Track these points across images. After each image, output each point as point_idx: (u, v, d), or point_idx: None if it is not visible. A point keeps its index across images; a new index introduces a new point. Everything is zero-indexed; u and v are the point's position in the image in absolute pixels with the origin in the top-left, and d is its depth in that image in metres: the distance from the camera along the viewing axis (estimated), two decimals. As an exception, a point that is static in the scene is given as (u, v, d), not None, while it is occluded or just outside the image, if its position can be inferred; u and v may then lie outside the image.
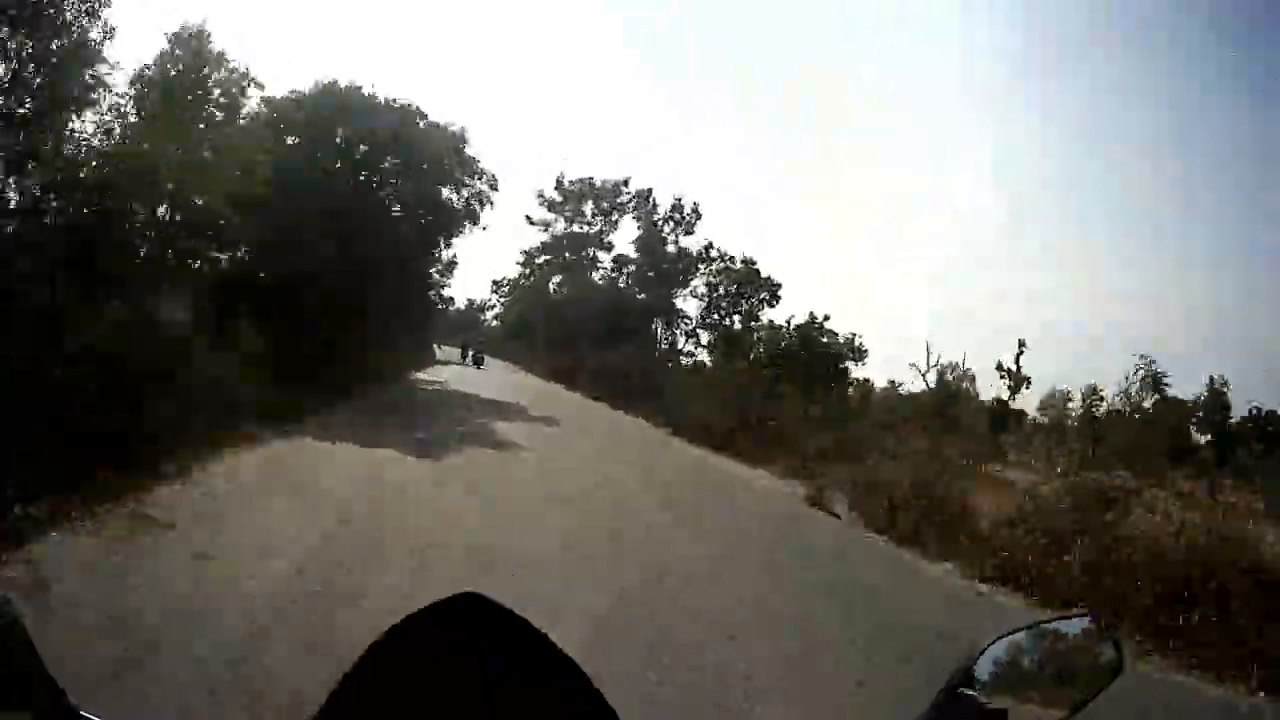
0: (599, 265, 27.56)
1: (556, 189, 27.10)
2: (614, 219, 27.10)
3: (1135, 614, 3.64)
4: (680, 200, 25.72)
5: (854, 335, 15.56)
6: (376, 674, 0.48)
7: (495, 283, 34.89)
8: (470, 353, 29.56)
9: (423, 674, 0.48)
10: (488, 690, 0.48)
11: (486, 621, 0.49)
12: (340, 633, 2.37)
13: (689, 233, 25.61)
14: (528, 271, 29.57)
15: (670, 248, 25.32)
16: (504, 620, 0.49)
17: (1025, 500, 5.19)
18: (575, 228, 27.33)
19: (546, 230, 27.80)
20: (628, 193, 26.80)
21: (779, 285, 24.07)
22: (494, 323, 41.66)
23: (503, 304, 37.10)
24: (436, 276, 24.75)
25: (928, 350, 16.34)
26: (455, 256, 26.08)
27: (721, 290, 24.72)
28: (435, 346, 30.75)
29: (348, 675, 0.48)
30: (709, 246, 25.24)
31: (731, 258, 24.74)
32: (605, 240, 27.26)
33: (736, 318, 24.09)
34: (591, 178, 27.02)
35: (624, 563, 4.01)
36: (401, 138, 13.19)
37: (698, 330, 24.90)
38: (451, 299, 49.74)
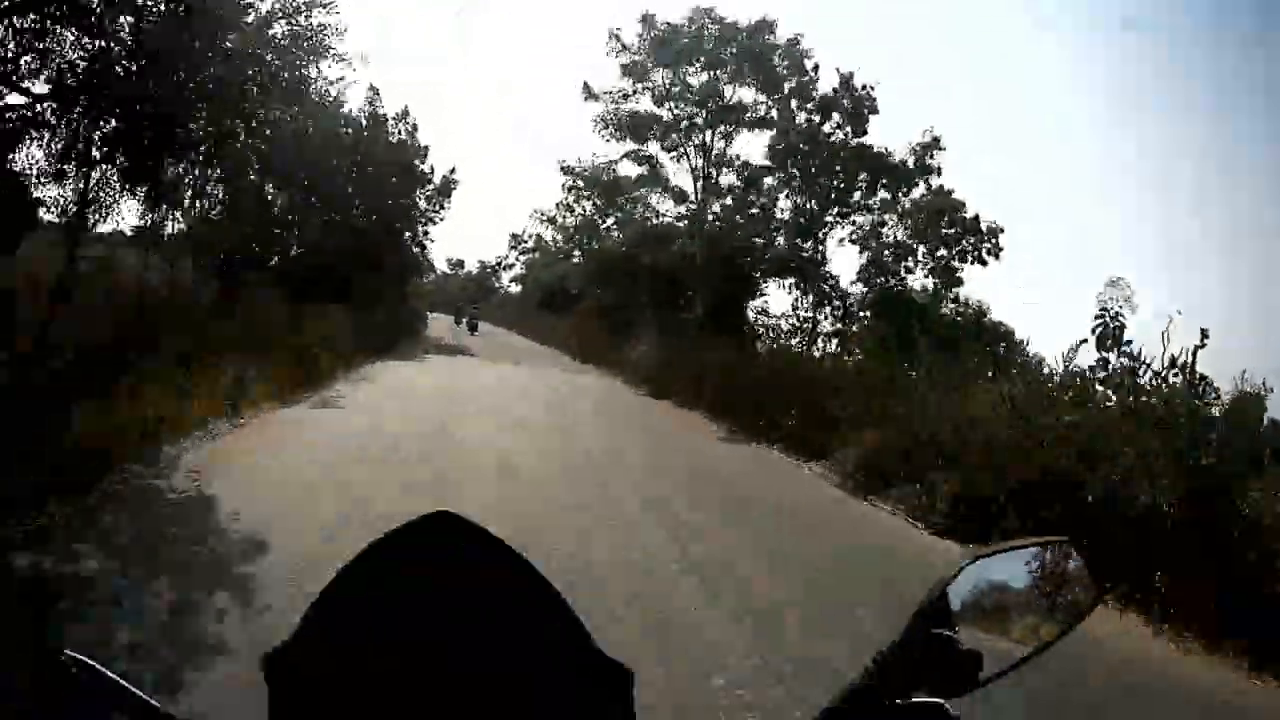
0: (720, 169, 23.38)
1: (644, 33, 23.18)
2: (763, 86, 22.73)
3: None
4: (849, 76, 21.79)
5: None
6: (349, 596, 0.70)
7: (515, 236, 37.35)
8: (465, 320, 34.30)
9: (397, 594, 0.70)
10: (466, 610, 0.69)
11: (464, 541, 0.71)
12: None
13: (861, 131, 21.91)
14: (572, 198, 26.71)
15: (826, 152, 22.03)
16: (482, 541, 0.71)
17: None
18: (672, 105, 23.32)
19: (618, 109, 23.66)
20: (768, 44, 22.62)
21: (998, 231, 21.60)
22: (513, 287, 43.47)
23: (524, 262, 38.39)
24: (422, 204, 22.87)
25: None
26: (454, 175, 23.79)
27: (898, 234, 22.11)
28: (428, 316, 33.86)
29: (319, 598, 0.70)
30: (934, 142, 21.49)
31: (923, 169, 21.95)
32: (750, 114, 23.03)
33: (923, 275, 21.95)
34: (711, 8, 22.95)
35: None
36: None
37: (845, 297, 22.15)
38: (460, 261, 52.34)
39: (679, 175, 23.99)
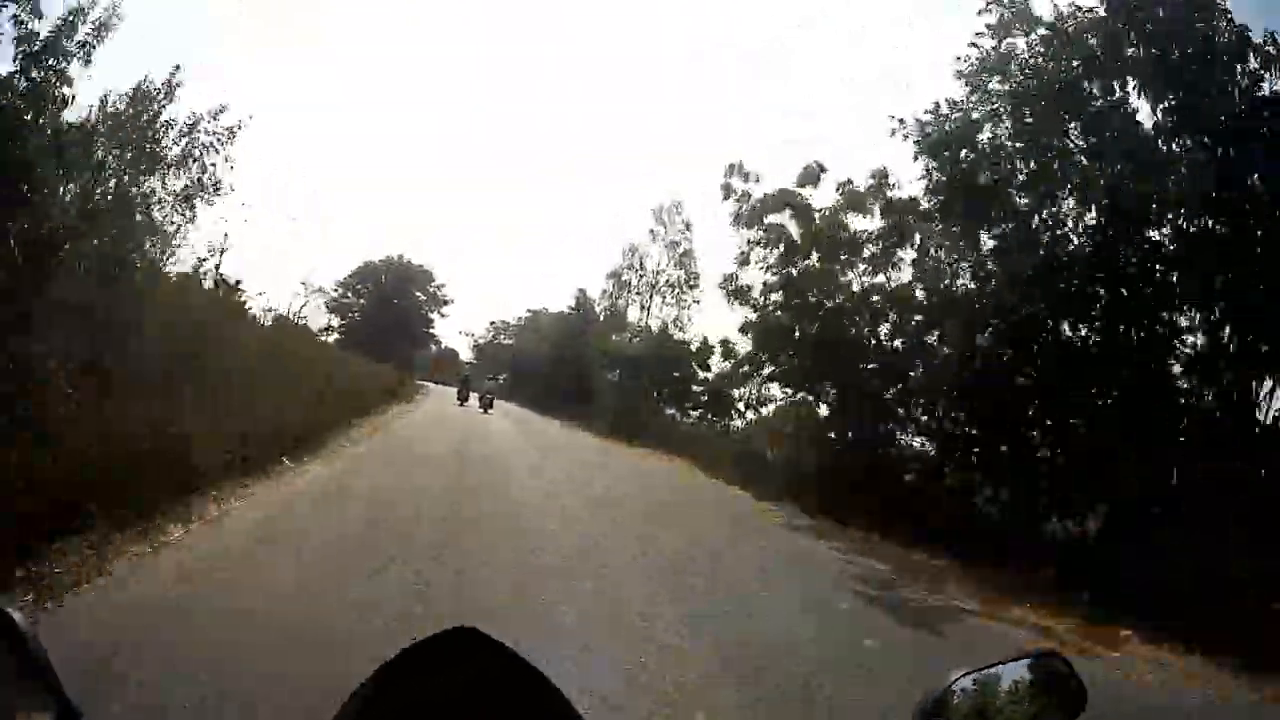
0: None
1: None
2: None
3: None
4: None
5: None
6: (373, 708, 0.71)
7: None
8: (477, 395, 29.90)
9: (419, 709, 0.71)
10: None
11: (482, 657, 0.73)
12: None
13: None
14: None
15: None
16: (499, 656, 0.73)
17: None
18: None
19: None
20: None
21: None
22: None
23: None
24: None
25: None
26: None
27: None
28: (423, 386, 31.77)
29: (344, 708, 0.72)
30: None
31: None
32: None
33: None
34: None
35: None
36: None
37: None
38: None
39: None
